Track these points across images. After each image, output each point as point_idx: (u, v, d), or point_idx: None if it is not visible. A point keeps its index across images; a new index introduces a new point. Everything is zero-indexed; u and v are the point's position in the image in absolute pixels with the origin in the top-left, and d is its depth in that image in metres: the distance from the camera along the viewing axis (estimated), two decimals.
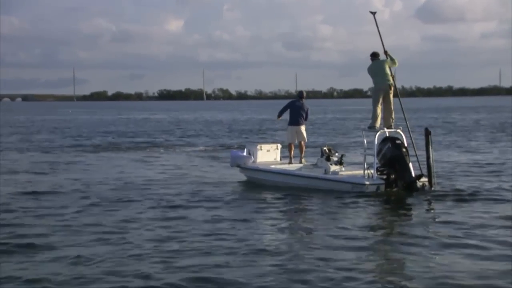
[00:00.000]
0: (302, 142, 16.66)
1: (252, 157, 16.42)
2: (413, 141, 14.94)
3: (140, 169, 20.03)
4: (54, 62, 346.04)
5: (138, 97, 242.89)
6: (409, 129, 14.98)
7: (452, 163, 20.29)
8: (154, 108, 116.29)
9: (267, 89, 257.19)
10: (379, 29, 14.95)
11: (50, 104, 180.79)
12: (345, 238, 9.97)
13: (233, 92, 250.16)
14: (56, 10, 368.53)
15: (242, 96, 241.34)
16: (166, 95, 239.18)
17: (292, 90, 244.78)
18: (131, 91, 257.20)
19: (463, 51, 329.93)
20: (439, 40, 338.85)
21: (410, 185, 13.79)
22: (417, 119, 50.14)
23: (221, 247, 9.46)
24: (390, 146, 14.08)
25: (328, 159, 15.30)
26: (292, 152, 16.66)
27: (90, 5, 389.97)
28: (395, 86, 15.04)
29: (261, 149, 16.58)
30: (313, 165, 15.94)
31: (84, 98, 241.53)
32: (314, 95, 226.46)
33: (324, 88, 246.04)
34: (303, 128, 16.56)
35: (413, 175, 13.95)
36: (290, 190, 14.67)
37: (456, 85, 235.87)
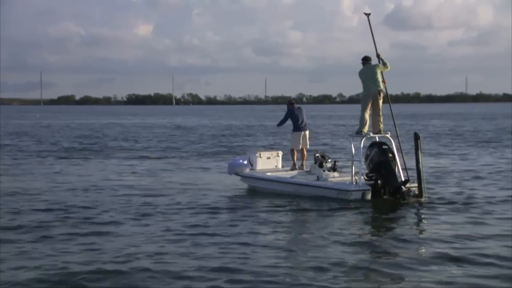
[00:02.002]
0: (305, 148, 16.63)
1: (251, 164, 16.31)
2: (401, 146, 14.87)
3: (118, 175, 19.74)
4: (22, 66, 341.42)
5: (107, 101, 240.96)
6: (398, 134, 14.93)
7: (435, 168, 20.38)
8: (123, 113, 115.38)
9: (236, 94, 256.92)
10: (373, 30, 14.78)
11: (17, 108, 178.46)
12: (327, 248, 9.79)
13: (203, 97, 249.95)
14: (24, 12, 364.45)
15: (211, 101, 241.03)
16: (135, 100, 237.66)
17: (262, 95, 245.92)
18: (100, 95, 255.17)
19: (431, 58, 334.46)
20: (407, 47, 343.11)
21: (395, 191, 13.71)
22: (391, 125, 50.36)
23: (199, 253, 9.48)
24: (377, 151, 14.01)
25: (321, 165, 15.24)
26: (295, 158, 16.64)
27: (59, 8, 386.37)
28: (386, 92, 14.96)
29: (260, 157, 16.46)
30: (307, 171, 15.88)
31: (52, 102, 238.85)
32: (283, 100, 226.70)
33: (293, 94, 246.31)
34: (307, 133, 16.68)
35: (399, 180, 13.87)
36: (280, 197, 14.61)
37: (424, 92, 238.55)
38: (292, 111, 16.75)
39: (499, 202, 13.91)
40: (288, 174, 15.96)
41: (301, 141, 16.57)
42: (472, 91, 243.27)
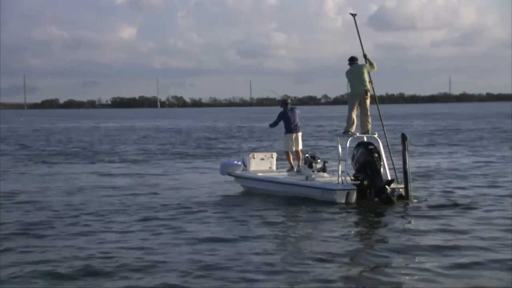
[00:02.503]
0: (299, 150, 16.47)
1: (245, 165, 16.27)
2: (389, 147, 14.93)
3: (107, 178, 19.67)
4: (5, 70, 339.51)
5: (91, 105, 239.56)
6: (386, 135, 14.94)
7: (421, 167, 20.54)
8: (108, 116, 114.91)
9: (221, 96, 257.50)
10: (359, 31, 14.76)
11: (0, 113, 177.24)
12: (307, 250, 9.78)
13: (188, 100, 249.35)
14: (7, 16, 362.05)
15: (196, 104, 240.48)
16: (120, 103, 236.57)
17: (247, 97, 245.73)
18: (84, 99, 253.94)
19: (414, 59, 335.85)
20: (390, 47, 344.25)
21: (380, 191, 13.76)
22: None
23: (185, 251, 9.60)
24: (363, 151, 14.05)
25: (310, 166, 15.22)
26: (291, 160, 16.51)
27: (42, 12, 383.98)
28: (374, 93, 14.96)
29: (254, 158, 16.38)
30: (297, 172, 15.91)
31: (35, 106, 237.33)
32: (269, 102, 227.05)
33: (278, 96, 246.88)
34: (299, 135, 16.50)
35: (384, 180, 13.91)
36: (269, 197, 14.68)
37: (408, 92, 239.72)
38: (285, 112, 16.49)
39: (486, 201, 13.97)
40: (279, 175, 15.94)
41: (293, 143, 16.41)
42: (456, 91, 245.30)
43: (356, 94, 14.60)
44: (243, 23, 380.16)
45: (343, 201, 13.70)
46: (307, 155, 15.77)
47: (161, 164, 23.85)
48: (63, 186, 17.57)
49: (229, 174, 16.38)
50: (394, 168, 14.64)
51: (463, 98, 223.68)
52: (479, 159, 23.81)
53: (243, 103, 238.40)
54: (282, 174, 16.09)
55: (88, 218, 12.58)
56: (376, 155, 13.95)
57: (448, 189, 15.85)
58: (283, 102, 16.68)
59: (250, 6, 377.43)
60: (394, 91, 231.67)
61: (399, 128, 49.71)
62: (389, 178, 14.15)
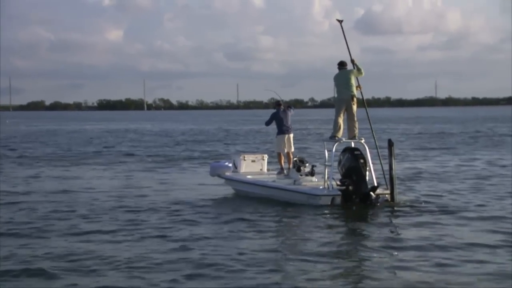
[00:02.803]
0: (290, 152, 16.35)
1: (236, 167, 16.24)
2: (379, 152, 14.94)
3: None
4: None
5: (77, 107, 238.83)
6: (375, 139, 14.94)
7: (410, 171, 20.69)
8: (94, 118, 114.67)
9: (208, 99, 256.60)
10: (346, 37, 14.76)
11: None
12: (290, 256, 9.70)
13: (174, 102, 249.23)
14: None
15: (183, 106, 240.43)
16: (106, 105, 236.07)
17: (234, 100, 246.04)
18: (70, 100, 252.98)
19: (400, 63, 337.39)
20: (377, 51, 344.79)
21: (364, 197, 13.78)
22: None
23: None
24: (348, 156, 14.09)
25: (298, 169, 15.16)
26: (282, 161, 16.43)
27: (28, 14, 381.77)
28: (362, 98, 15.00)
29: (244, 160, 16.37)
30: (285, 175, 15.81)
31: (21, 107, 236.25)
32: (256, 105, 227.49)
33: (265, 99, 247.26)
34: (291, 136, 16.44)
35: (369, 186, 13.92)
36: (254, 201, 14.68)
37: (394, 96, 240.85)
38: (277, 113, 16.46)
39: (472, 205, 14.03)
40: (269, 178, 15.79)
41: (285, 145, 16.30)
42: (442, 95, 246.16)
43: (342, 99, 14.62)
44: (231, 26, 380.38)
45: (328, 205, 13.75)
46: (295, 158, 15.74)
47: (149, 167, 23.89)
48: (50, 187, 17.59)
49: (219, 176, 16.33)
50: (383, 172, 14.68)
51: (449, 102, 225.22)
52: (464, 162, 24.01)
53: (230, 106, 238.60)
54: (271, 177, 15.94)
55: (76, 221, 12.60)
56: (361, 160, 13.96)
57: (433, 192, 15.96)
58: (277, 103, 16.68)
59: (237, 9, 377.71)
60: (381, 95, 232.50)
61: (386, 132, 50.02)
62: (375, 183, 14.19)
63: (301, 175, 15.12)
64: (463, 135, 44.61)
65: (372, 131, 15.11)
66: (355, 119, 14.62)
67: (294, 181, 15.08)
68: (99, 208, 14.07)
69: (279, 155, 16.58)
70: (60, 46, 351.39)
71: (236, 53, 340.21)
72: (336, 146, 14.54)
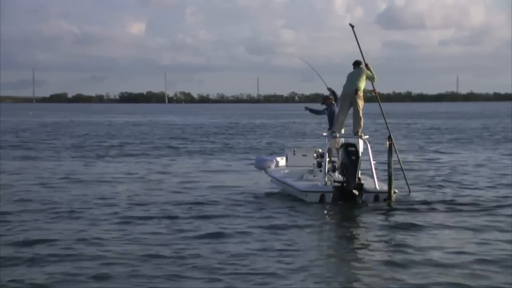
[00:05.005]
0: (338, 148, 15.39)
1: (287, 161, 15.92)
2: (396, 148, 14.58)
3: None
4: (14, 64, 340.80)
5: (99, 99, 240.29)
6: (391, 135, 14.47)
7: (417, 167, 20.43)
8: (118, 111, 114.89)
9: (229, 92, 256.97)
10: (359, 41, 14.60)
11: (9, 106, 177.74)
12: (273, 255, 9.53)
13: (195, 96, 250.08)
14: (16, 11, 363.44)
15: (204, 100, 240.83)
16: (128, 98, 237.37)
17: (254, 94, 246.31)
18: (92, 93, 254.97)
19: (422, 58, 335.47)
20: (399, 46, 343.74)
21: (349, 194, 13.59)
22: (379, 124, 51.28)
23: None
24: (342, 152, 13.91)
25: (319, 165, 14.63)
26: (332, 157, 15.56)
27: (51, 7, 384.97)
28: (377, 98, 14.81)
29: (294, 154, 16.03)
30: (310, 170, 15.13)
31: (44, 100, 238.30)
32: (276, 99, 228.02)
33: (285, 93, 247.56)
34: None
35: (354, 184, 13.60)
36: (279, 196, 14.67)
37: (415, 90, 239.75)
38: (331, 109, 15.64)
39: (468, 203, 13.77)
40: (296, 172, 15.26)
41: (335, 141, 15.44)
42: (463, 90, 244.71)
43: (347, 94, 14.40)
44: (252, 20, 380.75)
45: (317, 201, 13.55)
46: (314, 154, 15.50)
47: (187, 160, 23.91)
48: (79, 179, 18.10)
49: (263, 169, 16.01)
50: (401, 168, 14.62)
51: (470, 97, 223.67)
52: (475, 160, 23.78)
53: (250, 100, 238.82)
54: (298, 171, 15.33)
55: (104, 210, 12.99)
56: (353, 157, 13.61)
57: (435, 188, 15.85)
58: (326, 98, 15.93)
59: (259, 3, 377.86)
60: (402, 89, 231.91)
61: (404, 127, 50.30)
62: (376, 182, 13.92)
63: (320, 171, 14.50)
64: (482, 130, 44.46)
65: (388, 127, 14.88)
66: (360, 114, 14.30)
67: (302, 175, 14.77)
68: (134, 201, 14.25)
69: (329, 150, 15.55)
70: (83, 39, 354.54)
71: (257, 47, 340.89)
72: (329, 142, 14.42)
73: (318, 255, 9.70)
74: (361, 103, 14.34)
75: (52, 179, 18.03)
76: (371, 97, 15.30)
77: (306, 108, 16.68)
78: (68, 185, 16.84)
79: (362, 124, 14.34)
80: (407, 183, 14.85)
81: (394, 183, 14.01)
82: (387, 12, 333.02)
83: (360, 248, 10.17)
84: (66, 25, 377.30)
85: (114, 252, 9.65)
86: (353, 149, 13.82)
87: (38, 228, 11.31)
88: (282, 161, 16.25)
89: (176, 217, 12.28)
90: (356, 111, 14.35)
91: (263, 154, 19.47)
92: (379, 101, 14.97)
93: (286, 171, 15.66)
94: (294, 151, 16.27)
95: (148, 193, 15.35)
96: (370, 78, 14.52)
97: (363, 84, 14.41)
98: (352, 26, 14.74)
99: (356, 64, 14.69)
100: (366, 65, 14.61)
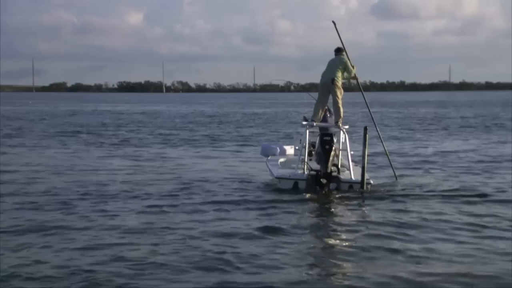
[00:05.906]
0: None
1: (285, 150, 15.66)
2: (381, 137, 14.79)
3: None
4: (14, 53, 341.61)
5: (98, 88, 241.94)
6: (376, 125, 14.66)
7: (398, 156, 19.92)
8: (117, 100, 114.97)
9: (225, 82, 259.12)
10: (341, 36, 14.27)
11: (9, 95, 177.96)
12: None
13: (192, 85, 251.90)
14: (16, 1, 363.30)
15: (201, 89, 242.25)
16: (126, 87, 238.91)
17: (250, 83, 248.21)
18: (91, 82, 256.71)
19: (416, 47, 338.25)
20: (393, 36, 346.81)
21: (319, 183, 13.34)
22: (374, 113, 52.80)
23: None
24: (318, 141, 13.79)
25: (310, 154, 14.33)
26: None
27: None
28: (358, 83, 14.66)
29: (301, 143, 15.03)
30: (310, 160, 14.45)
31: (44, 89, 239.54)
32: (272, 88, 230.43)
33: (281, 82, 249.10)
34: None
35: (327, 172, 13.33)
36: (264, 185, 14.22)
37: (408, 80, 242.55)
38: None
39: (441, 191, 13.39)
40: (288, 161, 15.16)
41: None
42: (456, 79, 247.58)
43: (324, 84, 14.07)
44: (249, 10, 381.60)
45: (291, 188, 13.31)
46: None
47: (195, 149, 23.45)
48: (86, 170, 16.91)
49: (267, 156, 15.71)
50: (388, 157, 14.84)
51: (463, 86, 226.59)
52: (464, 147, 23.71)
53: (247, 89, 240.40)
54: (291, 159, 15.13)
55: (107, 201, 12.30)
56: (327, 146, 13.42)
57: (420, 175, 15.87)
58: None
59: None
60: (395, 78, 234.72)
61: (389, 117, 51.77)
62: (352, 172, 13.50)
63: (310, 160, 14.22)
64: (468, 118, 44.77)
65: (372, 117, 14.89)
66: (339, 104, 13.89)
67: (291, 164, 14.63)
68: (134, 189, 13.70)
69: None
70: (82, 29, 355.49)
71: (254, 37, 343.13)
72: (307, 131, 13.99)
73: (277, 243, 9.12)
74: (339, 92, 13.94)
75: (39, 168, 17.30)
76: (354, 86, 15.05)
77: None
78: (52, 176, 15.84)
79: (341, 113, 13.98)
80: (393, 171, 14.85)
81: (382, 171, 14.78)
82: (381, 2, 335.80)
83: (324, 237, 9.70)
84: (66, 15, 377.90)
85: (104, 243, 9.01)
86: (328, 138, 13.53)
87: (20, 217, 10.66)
88: (290, 150, 15.72)
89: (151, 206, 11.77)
90: (335, 101, 13.96)
91: (272, 143, 18.31)
92: (362, 89, 14.91)
93: (282, 159, 15.35)
94: (301, 140, 15.04)
95: (139, 183, 14.54)
96: (348, 71, 14.06)
97: (340, 73, 14.00)
98: (334, 23, 14.48)
99: (338, 51, 14.25)
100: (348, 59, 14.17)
